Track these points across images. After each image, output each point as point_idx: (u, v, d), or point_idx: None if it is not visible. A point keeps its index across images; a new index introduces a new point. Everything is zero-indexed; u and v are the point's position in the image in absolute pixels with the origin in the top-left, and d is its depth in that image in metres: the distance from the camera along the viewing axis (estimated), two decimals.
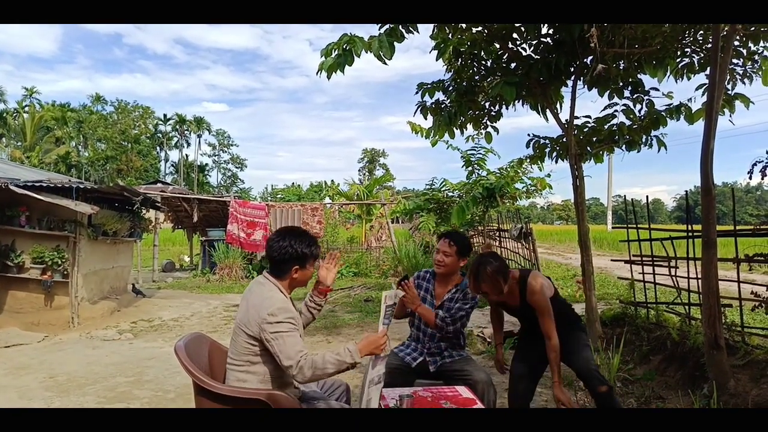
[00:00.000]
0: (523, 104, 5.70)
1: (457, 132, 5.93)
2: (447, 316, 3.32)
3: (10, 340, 6.45)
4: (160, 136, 69.74)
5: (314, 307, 2.87)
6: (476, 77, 5.64)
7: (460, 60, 5.54)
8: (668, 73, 5.14)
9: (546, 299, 3.04)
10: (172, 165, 74.66)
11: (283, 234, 2.63)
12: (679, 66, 5.13)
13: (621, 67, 5.16)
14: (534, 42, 5.21)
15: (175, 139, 72.10)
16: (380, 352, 2.47)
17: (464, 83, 5.60)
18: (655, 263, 5.64)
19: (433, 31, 5.09)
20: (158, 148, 70.13)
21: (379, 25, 4.14)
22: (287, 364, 2.34)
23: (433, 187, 11.80)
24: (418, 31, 4.34)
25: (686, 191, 5.51)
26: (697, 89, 5.06)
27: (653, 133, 5.54)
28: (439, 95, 5.69)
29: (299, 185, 45.28)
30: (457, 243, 3.42)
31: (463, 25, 4.85)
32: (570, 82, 5.40)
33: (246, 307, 2.52)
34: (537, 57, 5.21)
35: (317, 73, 4.23)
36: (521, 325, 3.46)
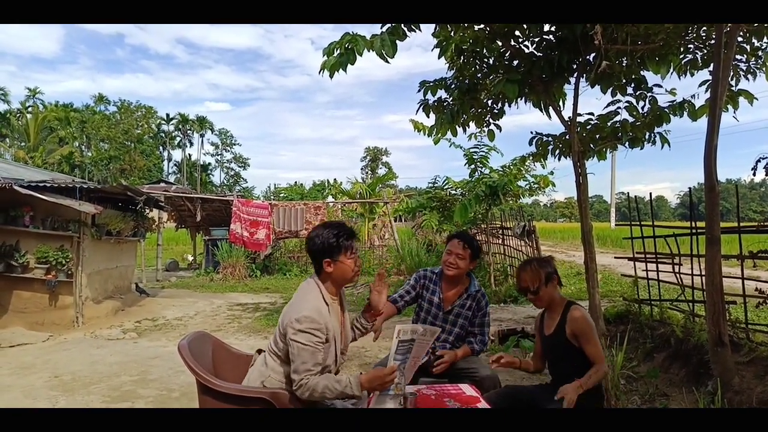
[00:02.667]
0: (525, 102, 5.68)
1: (459, 130, 5.93)
2: (479, 338, 3.35)
3: (15, 339, 6.48)
4: (163, 135, 69.88)
5: (359, 328, 2.77)
6: (478, 75, 5.62)
7: (462, 58, 5.52)
8: (671, 70, 5.11)
9: (590, 325, 2.81)
10: (175, 164, 74.85)
11: (319, 227, 2.58)
12: (682, 62, 5.10)
13: (624, 64, 5.14)
14: (536, 39, 5.19)
15: (178, 139, 72.28)
16: (386, 389, 2.36)
17: (467, 81, 5.58)
18: (658, 260, 5.62)
19: (435, 29, 5.07)
20: (161, 147, 70.27)
21: (381, 23, 4.13)
22: (293, 377, 2.34)
23: (436, 185, 11.81)
24: (420, 30, 4.33)
25: (690, 188, 5.50)
26: (700, 86, 5.04)
27: (656, 129, 5.52)
28: (442, 93, 5.68)
29: (302, 184, 45.23)
30: (471, 246, 3.32)
31: (465, 24, 4.84)
32: (573, 80, 5.38)
33: (290, 303, 2.53)
34: (539, 54, 5.19)
35: (319, 72, 4.22)
36: (551, 372, 3.14)
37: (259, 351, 2.67)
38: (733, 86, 4.97)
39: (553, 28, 5.02)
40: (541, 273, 2.87)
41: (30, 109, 52.11)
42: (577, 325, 2.79)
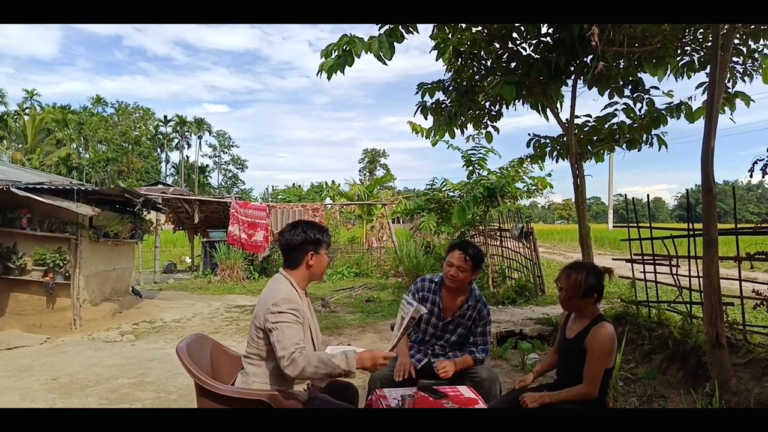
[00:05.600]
0: (523, 104, 5.69)
1: (457, 132, 5.93)
2: (481, 347, 3.32)
3: (13, 342, 6.46)
4: (161, 137, 69.87)
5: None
6: (476, 77, 5.63)
7: (460, 60, 5.53)
8: (668, 72, 5.13)
9: (605, 348, 2.70)
10: (173, 166, 74.82)
11: (294, 224, 2.66)
12: (680, 64, 5.12)
13: (621, 66, 5.15)
14: (534, 41, 5.20)
15: (176, 141, 72.28)
16: (375, 371, 2.45)
17: (464, 83, 5.59)
18: (656, 262, 5.63)
19: (433, 31, 5.08)
20: (159, 149, 70.25)
21: (379, 25, 4.14)
22: (281, 355, 2.33)
23: (434, 187, 11.76)
24: (417, 32, 4.34)
25: (687, 190, 5.51)
26: (697, 88, 5.06)
27: (654, 131, 5.53)
28: (440, 95, 5.68)
29: (300, 186, 45.33)
30: (473, 258, 3.23)
31: (463, 25, 4.85)
32: (570, 81, 5.39)
33: (259, 301, 2.57)
34: (537, 56, 5.20)
35: (317, 74, 4.23)
36: (557, 374, 3.11)
37: None
38: (729, 88, 4.99)
39: (550, 30, 5.03)
40: (582, 286, 2.78)
41: (27, 110, 52.03)
42: (596, 340, 2.72)
